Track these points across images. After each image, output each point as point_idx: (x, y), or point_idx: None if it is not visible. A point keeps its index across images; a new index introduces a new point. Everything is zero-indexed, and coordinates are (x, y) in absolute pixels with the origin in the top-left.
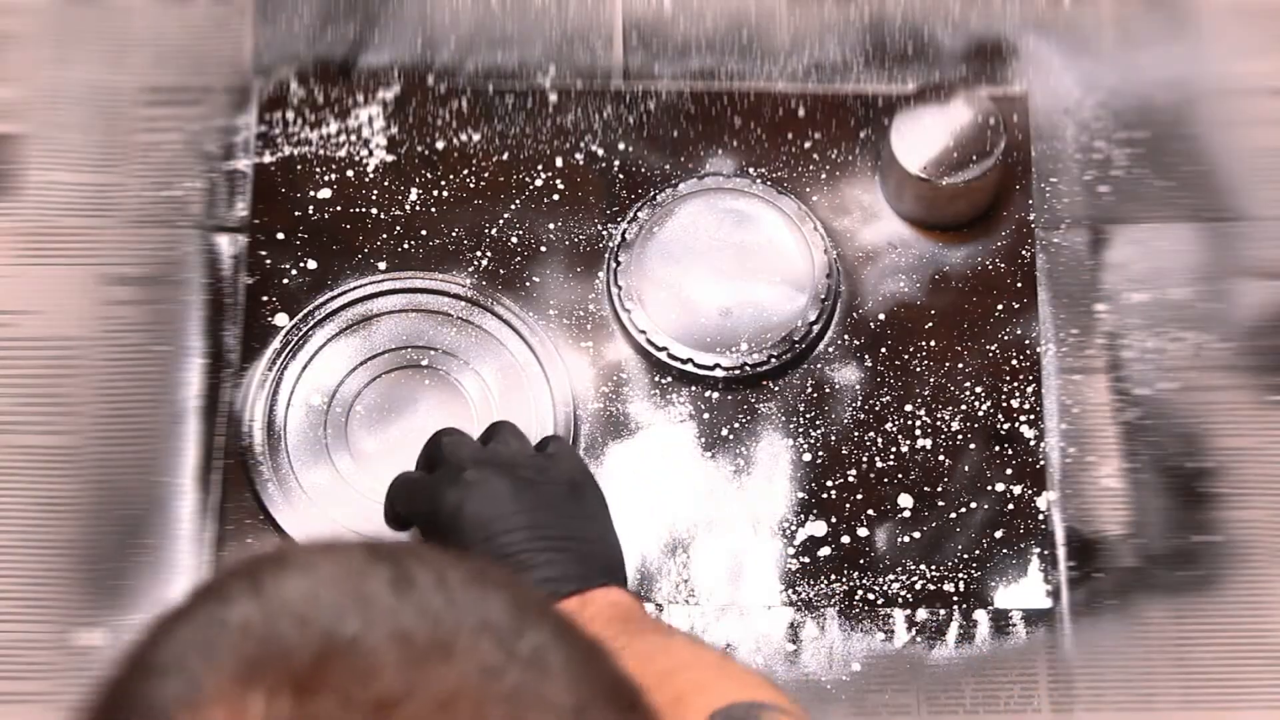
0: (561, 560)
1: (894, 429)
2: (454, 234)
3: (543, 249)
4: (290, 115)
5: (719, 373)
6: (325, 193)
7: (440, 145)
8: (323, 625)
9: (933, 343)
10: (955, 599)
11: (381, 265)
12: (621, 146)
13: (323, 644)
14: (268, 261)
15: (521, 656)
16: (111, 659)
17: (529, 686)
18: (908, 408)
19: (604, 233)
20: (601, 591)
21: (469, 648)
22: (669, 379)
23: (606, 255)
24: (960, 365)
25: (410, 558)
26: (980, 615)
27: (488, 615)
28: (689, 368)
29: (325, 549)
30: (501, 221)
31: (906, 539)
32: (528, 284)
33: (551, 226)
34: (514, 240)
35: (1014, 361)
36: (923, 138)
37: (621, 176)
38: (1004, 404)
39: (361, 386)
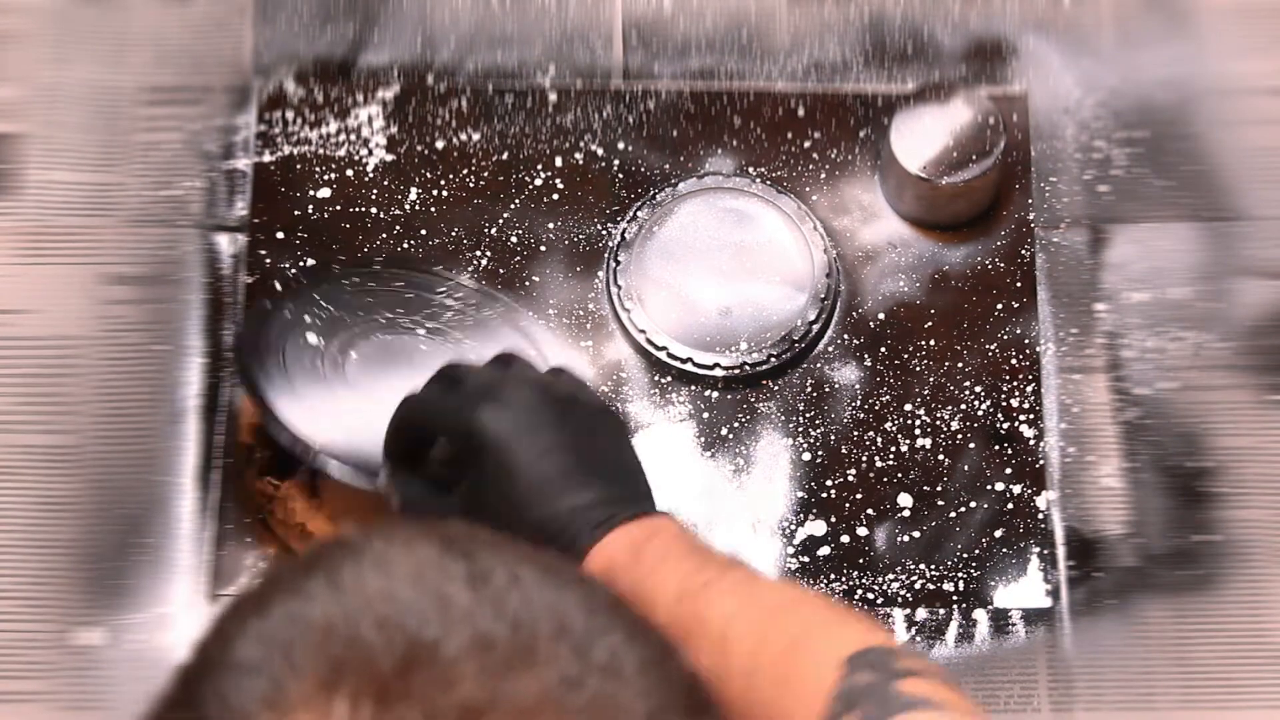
0: (608, 485)
1: (893, 428)
2: (453, 233)
3: (542, 248)
4: (290, 115)
5: (718, 372)
6: (325, 192)
7: (440, 145)
8: (404, 628)
9: (932, 342)
10: (955, 598)
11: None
12: (621, 146)
13: (405, 649)
14: (267, 260)
15: (598, 663)
16: (189, 647)
17: (606, 695)
18: (907, 407)
19: (603, 232)
20: (663, 519)
21: (549, 655)
22: (668, 378)
23: (606, 255)
24: (960, 364)
25: (482, 550)
26: (980, 615)
27: (564, 617)
28: (688, 367)
29: (397, 541)
30: (501, 221)
31: (906, 538)
32: (527, 283)
33: (551, 226)
34: (513, 240)
35: (1014, 361)
36: (922, 137)
37: (621, 176)
38: (1004, 403)
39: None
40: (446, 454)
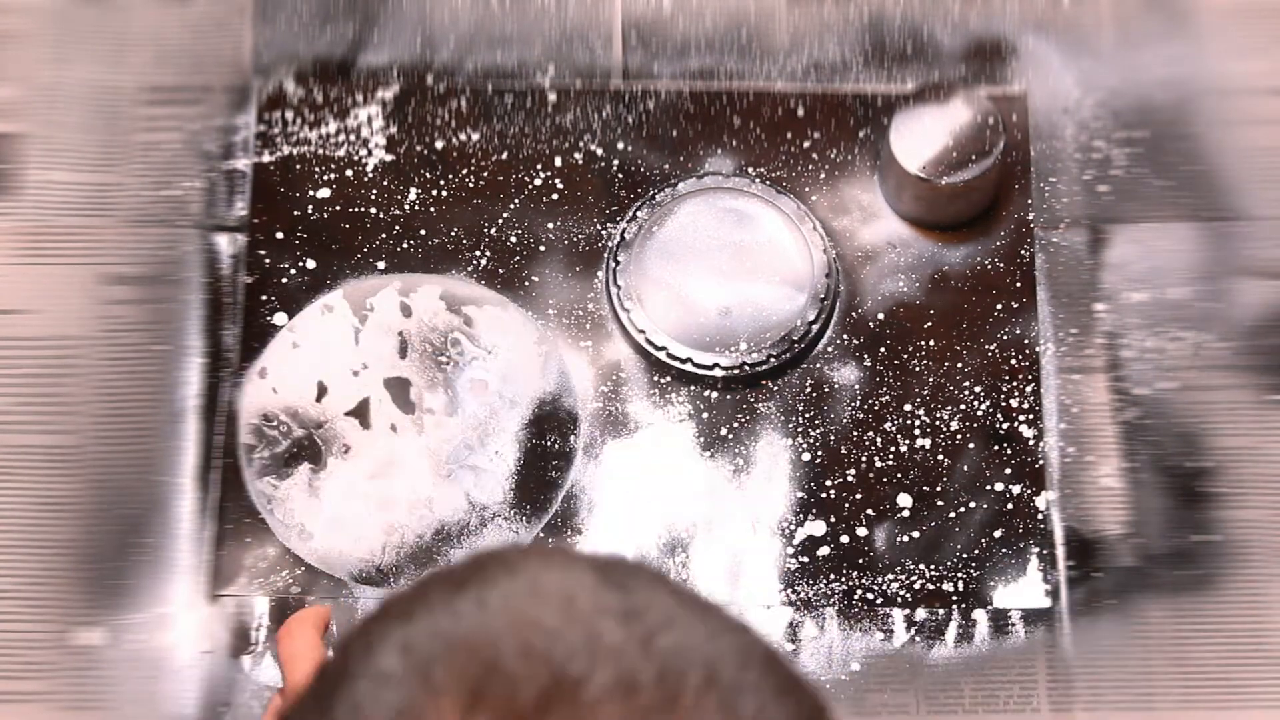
0: None
1: (893, 428)
2: (453, 233)
3: (541, 248)
4: (289, 115)
5: (718, 372)
6: (324, 192)
7: (439, 145)
8: (549, 660)
9: (932, 342)
10: (954, 598)
11: (380, 265)
12: (620, 146)
13: (548, 682)
14: (267, 261)
15: (743, 718)
16: (335, 640)
17: None
18: (907, 407)
19: (603, 232)
20: None
21: (693, 707)
22: (668, 378)
23: (605, 255)
24: (959, 365)
25: (640, 584)
26: (979, 615)
27: (715, 666)
28: (688, 367)
29: (555, 563)
30: (500, 221)
31: (905, 538)
32: (526, 283)
33: (550, 226)
34: (513, 239)
35: (1013, 361)
36: (922, 137)
37: (620, 176)
38: (1003, 403)
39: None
40: None
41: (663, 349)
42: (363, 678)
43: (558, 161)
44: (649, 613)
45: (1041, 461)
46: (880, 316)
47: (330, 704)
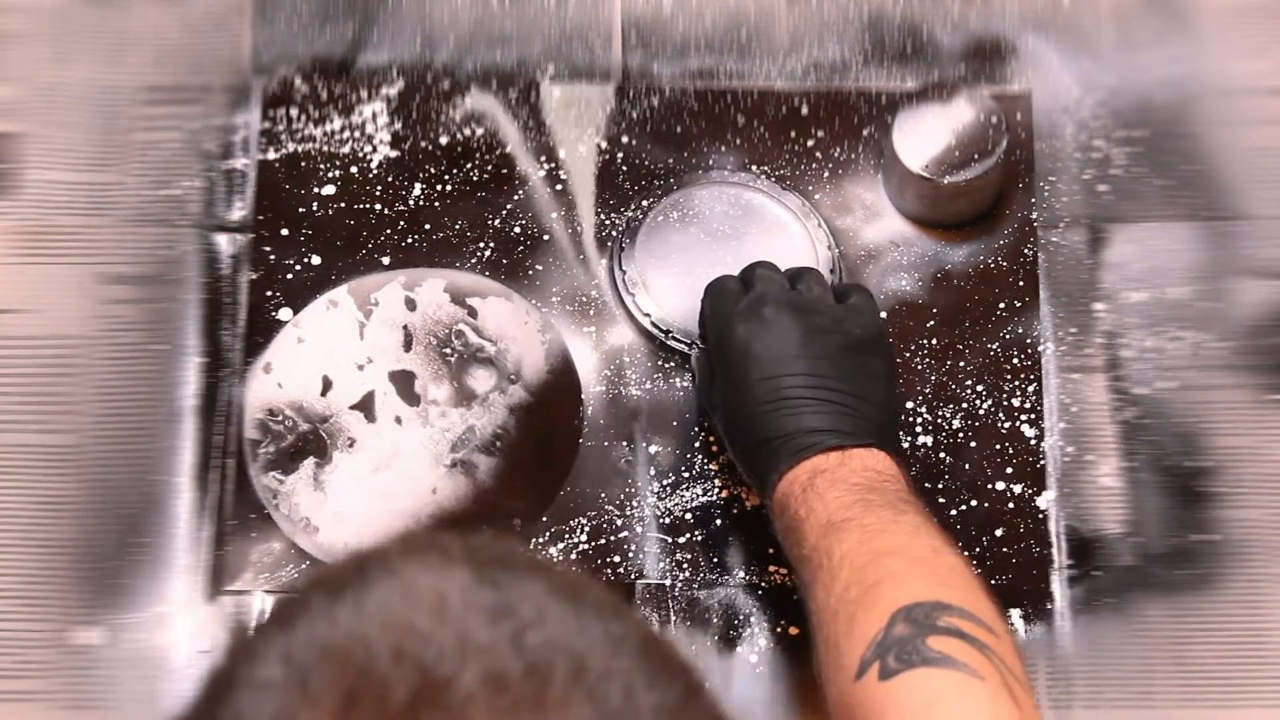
0: (832, 413)
1: None
2: (457, 227)
3: (545, 238)
4: (294, 111)
5: None
6: (329, 189)
7: (444, 140)
8: (420, 662)
9: (934, 340)
10: None
11: (385, 260)
12: (625, 140)
13: (418, 684)
14: (271, 257)
15: (611, 708)
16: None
17: None
18: (909, 405)
19: (607, 222)
20: (864, 452)
21: (561, 699)
22: (672, 363)
23: (610, 242)
24: (961, 363)
25: (515, 579)
26: None
27: (584, 657)
28: (693, 351)
29: (432, 564)
30: (504, 212)
31: None
32: (530, 272)
33: (554, 216)
34: (516, 230)
35: (1015, 360)
36: (925, 136)
37: (625, 170)
38: (1005, 402)
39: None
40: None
41: (668, 332)
42: (244, 686)
43: (562, 154)
44: (520, 609)
45: (1043, 461)
46: (883, 314)
47: (214, 712)
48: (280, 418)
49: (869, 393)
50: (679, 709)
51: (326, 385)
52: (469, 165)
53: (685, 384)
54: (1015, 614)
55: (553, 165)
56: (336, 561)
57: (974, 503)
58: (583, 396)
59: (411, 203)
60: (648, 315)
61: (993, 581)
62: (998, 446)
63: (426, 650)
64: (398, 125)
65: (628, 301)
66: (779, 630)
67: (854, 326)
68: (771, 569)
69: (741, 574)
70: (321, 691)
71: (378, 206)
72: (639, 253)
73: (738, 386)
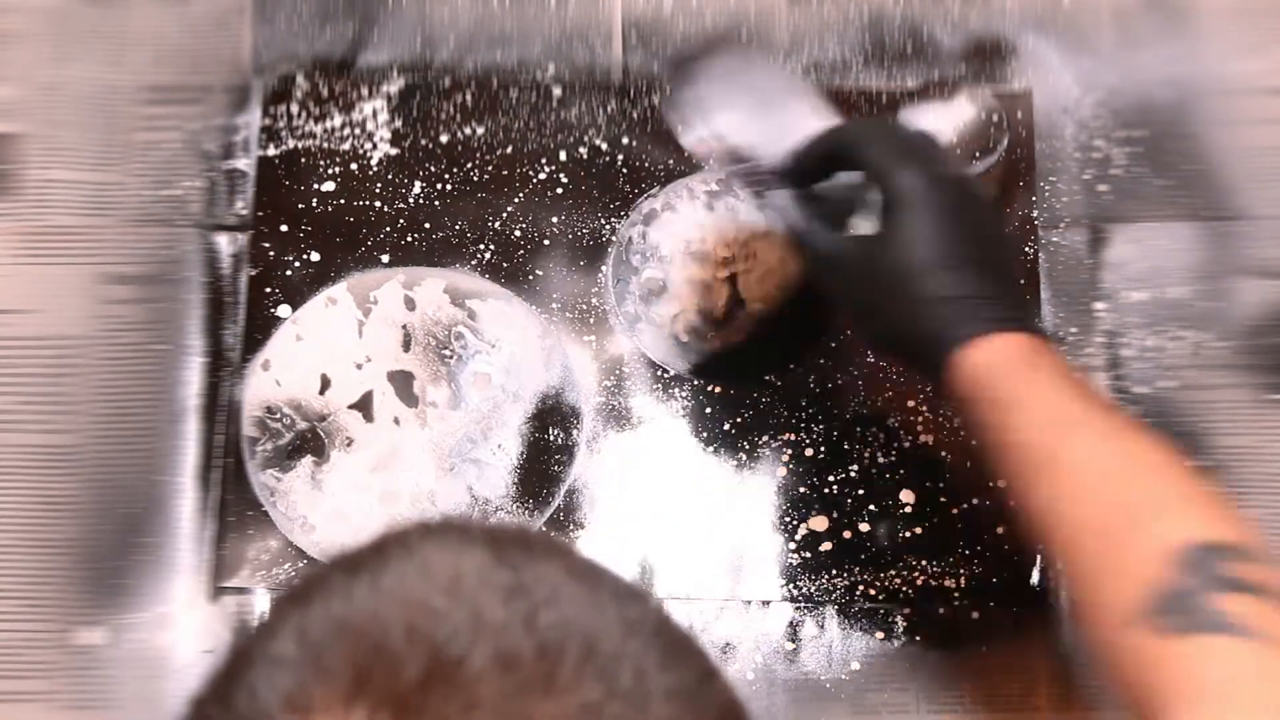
0: (1002, 290)
1: (896, 424)
2: (457, 227)
3: (545, 242)
4: (294, 109)
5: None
6: (329, 185)
7: (444, 139)
8: (432, 640)
9: None
10: (956, 595)
11: (385, 258)
12: (625, 141)
13: (430, 662)
14: (271, 254)
15: (622, 689)
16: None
17: None
18: (910, 403)
19: (607, 226)
20: (1042, 340)
21: (572, 680)
22: (672, 373)
23: (610, 248)
24: None
25: (533, 560)
26: (980, 612)
27: (596, 638)
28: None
29: (451, 544)
30: (505, 215)
31: (908, 534)
32: (530, 277)
33: (554, 220)
34: (517, 233)
35: None
36: None
37: (625, 171)
38: None
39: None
40: (845, 192)
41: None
42: (260, 661)
43: (562, 156)
44: (535, 589)
45: None
46: None
47: (229, 685)
48: (278, 415)
49: (1016, 276)
50: (692, 692)
51: (325, 384)
52: (469, 165)
53: (685, 395)
54: (1015, 613)
55: (553, 168)
56: (359, 543)
57: (975, 501)
58: (581, 404)
59: (411, 201)
60: (720, 139)
61: (993, 581)
62: None
63: (439, 628)
64: (398, 123)
65: (688, 139)
66: (775, 647)
67: (992, 207)
68: (768, 585)
69: (734, 588)
70: (334, 667)
71: (377, 204)
72: (638, 259)
73: (909, 240)
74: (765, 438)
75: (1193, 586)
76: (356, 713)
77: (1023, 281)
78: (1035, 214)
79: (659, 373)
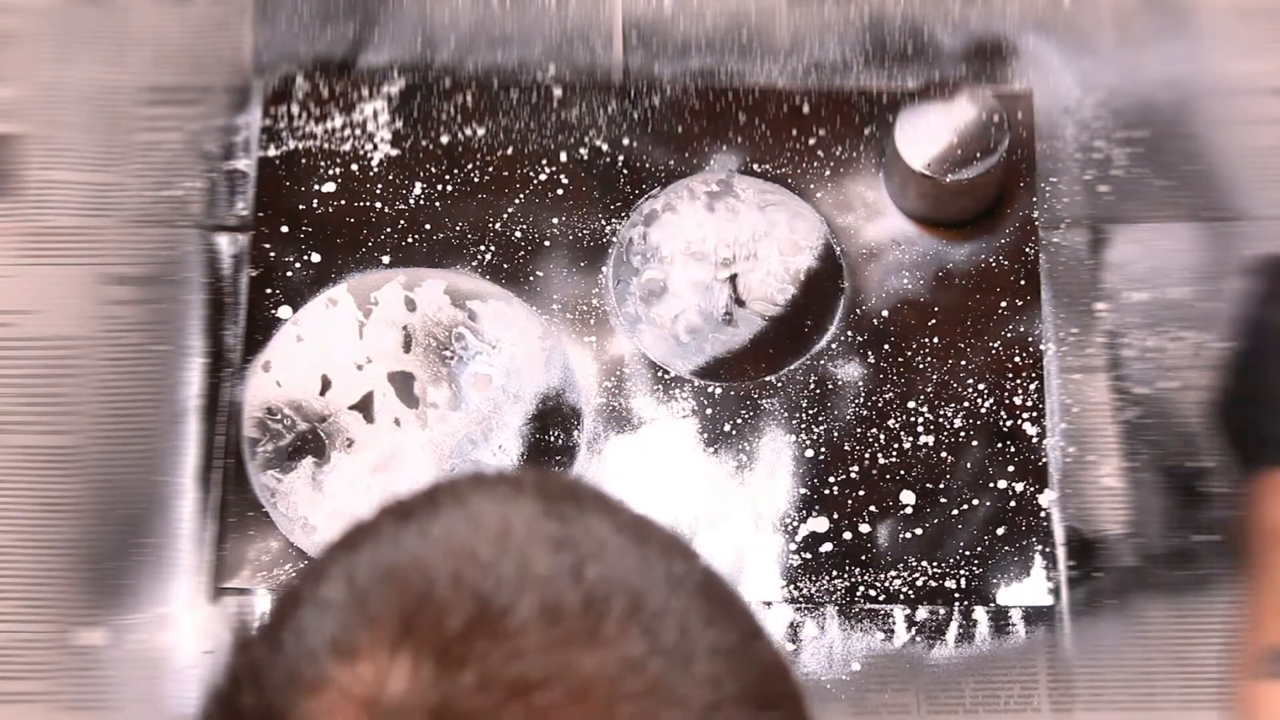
0: None
1: (896, 425)
2: (458, 228)
3: (546, 243)
4: (295, 109)
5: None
6: (330, 186)
7: (445, 140)
8: (478, 590)
9: (936, 339)
10: (956, 596)
11: (385, 259)
12: (626, 142)
13: (474, 611)
14: (271, 254)
15: (665, 645)
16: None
17: (666, 682)
18: (910, 404)
19: (608, 227)
20: None
21: (616, 634)
22: (672, 374)
23: (610, 250)
24: (963, 362)
25: (582, 513)
26: (981, 613)
27: (642, 593)
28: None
29: (501, 494)
30: (505, 216)
31: (908, 535)
32: (531, 278)
33: (555, 221)
34: (517, 234)
35: (1017, 359)
36: (927, 135)
37: (626, 172)
38: (1006, 401)
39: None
40: None
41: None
42: (309, 604)
43: (563, 157)
44: (583, 542)
45: (1045, 460)
46: (884, 313)
47: (279, 627)
48: (279, 416)
49: None
50: (736, 650)
51: (325, 384)
52: (470, 165)
53: (685, 396)
54: (1016, 614)
55: (554, 169)
56: (411, 492)
57: (976, 501)
58: (581, 406)
59: (412, 202)
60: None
61: (993, 580)
62: (999, 445)
63: (485, 578)
64: (399, 124)
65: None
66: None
67: None
68: (768, 586)
69: (744, 588)
70: (380, 613)
71: (378, 205)
72: (639, 261)
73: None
74: (765, 438)
75: None
76: (401, 659)
77: (1023, 283)
78: (1036, 214)
79: (659, 373)
